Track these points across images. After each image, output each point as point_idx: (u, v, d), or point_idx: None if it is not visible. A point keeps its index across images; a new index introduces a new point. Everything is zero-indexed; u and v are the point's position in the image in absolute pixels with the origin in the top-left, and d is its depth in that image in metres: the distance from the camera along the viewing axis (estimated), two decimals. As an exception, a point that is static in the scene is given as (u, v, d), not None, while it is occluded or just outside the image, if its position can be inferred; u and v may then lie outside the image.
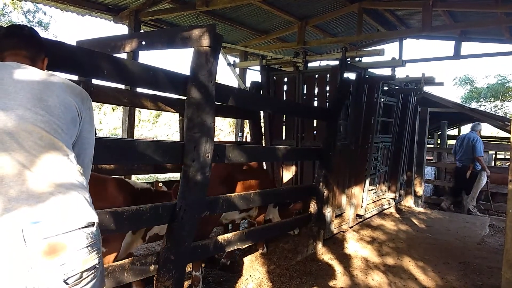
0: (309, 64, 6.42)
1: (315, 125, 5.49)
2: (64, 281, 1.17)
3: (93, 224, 1.29)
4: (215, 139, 2.79)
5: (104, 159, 2.47)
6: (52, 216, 1.19)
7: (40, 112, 1.32)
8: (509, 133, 7.46)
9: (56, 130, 1.34)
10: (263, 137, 5.67)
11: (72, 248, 1.20)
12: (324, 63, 7.71)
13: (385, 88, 6.37)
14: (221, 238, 3.22)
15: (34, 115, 1.30)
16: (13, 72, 1.38)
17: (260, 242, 4.18)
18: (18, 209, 1.15)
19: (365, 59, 6.29)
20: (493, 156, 11.81)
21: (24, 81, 1.37)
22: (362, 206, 5.60)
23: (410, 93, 6.85)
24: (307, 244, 4.37)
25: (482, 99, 21.42)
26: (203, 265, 3.82)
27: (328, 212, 4.61)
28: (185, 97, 2.59)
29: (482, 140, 9.87)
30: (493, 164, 11.37)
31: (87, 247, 1.24)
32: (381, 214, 6.33)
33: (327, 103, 5.28)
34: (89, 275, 1.25)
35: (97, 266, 1.28)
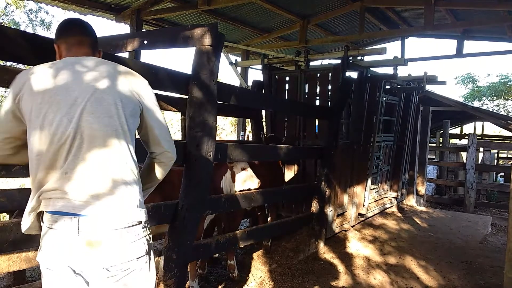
0: (311, 63, 6.41)
1: (317, 124, 5.48)
2: (105, 268, 1.35)
3: (139, 223, 1.44)
4: (217, 138, 2.79)
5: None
6: (100, 214, 1.35)
7: (102, 115, 1.40)
8: (511, 132, 7.44)
9: (116, 130, 1.42)
10: (265, 136, 5.66)
11: (110, 243, 1.35)
12: (326, 62, 7.71)
13: (387, 87, 6.36)
14: (222, 237, 3.22)
15: (97, 119, 1.39)
16: (75, 72, 1.43)
17: None
18: (79, 202, 1.34)
19: (367, 58, 6.28)
20: (496, 155, 11.79)
21: (86, 82, 1.42)
22: (364, 205, 5.60)
23: (412, 91, 6.83)
24: (309, 243, 4.37)
25: (484, 98, 21.35)
26: (206, 264, 3.84)
27: (330, 211, 4.61)
28: (187, 96, 2.59)
29: (484, 139, 9.87)
30: (495, 163, 11.34)
31: (130, 243, 1.39)
32: (383, 213, 6.32)
33: (329, 102, 5.27)
34: (130, 267, 1.40)
35: (139, 259, 1.42)
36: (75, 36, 1.56)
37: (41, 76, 1.41)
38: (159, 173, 1.68)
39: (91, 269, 1.36)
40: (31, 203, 1.42)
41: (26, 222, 1.45)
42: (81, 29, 1.59)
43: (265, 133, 5.53)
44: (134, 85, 1.53)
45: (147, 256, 1.47)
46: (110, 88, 1.45)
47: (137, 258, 1.42)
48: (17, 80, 1.43)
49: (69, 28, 1.59)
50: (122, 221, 1.39)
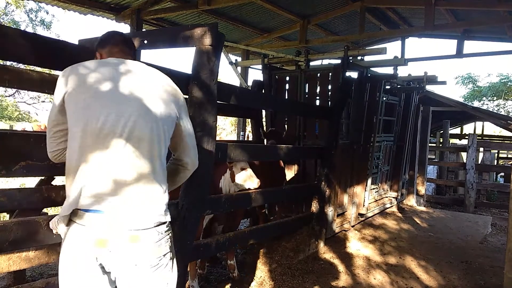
0: (311, 63, 6.41)
1: (317, 124, 5.48)
2: (136, 265, 1.43)
3: (164, 223, 1.51)
4: (217, 138, 2.79)
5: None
6: (136, 212, 1.43)
7: (150, 120, 1.47)
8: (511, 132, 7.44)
9: (159, 136, 1.50)
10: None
11: (146, 240, 1.43)
12: (326, 62, 7.71)
13: (387, 87, 6.36)
14: (222, 237, 3.22)
15: (145, 123, 1.46)
16: (123, 73, 1.51)
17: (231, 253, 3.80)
18: (117, 201, 1.41)
19: (367, 58, 6.28)
20: (496, 155, 11.79)
21: (135, 84, 1.50)
22: (364, 205, 5.60)
23: (412, 92, 6.83)
24: (309, 243, 4.37)
25: (484, 98, 21.34)
26: (207, 264, 3.84)
27: (330, 211, 4.61)
28: (187, 96, 2.59)
29: (484, 139, 9.87)
30: (495, 163, 11.34)
31: (157, 241, 1.47)
32: (383, 213, 6.32)
33: (329, 102, 5.27)
34: (158, 263, 1.47)
35: (165, 256, 1.50)
36: (118, 46, 1.66)
37: (89, 73, 1.47)
38: (182, 178, 1.77)
39: (124, 266, 1.43)
40: (71, 198, 1.42)
41: (64, 218, 1.46)
42: (124, 40, 1.70)
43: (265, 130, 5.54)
44: (174, 94, 1.62)
45: (171, 253, 1.54)
46: (157, 94, 1.53)
47: (164, 255, 1.50)
48: (65, 75, 1.48)
49: (113, 38, 1.69)
50: (154, 219, 1.47)
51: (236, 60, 7.94)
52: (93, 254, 1.40)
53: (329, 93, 5.32)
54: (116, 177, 1.41)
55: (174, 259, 1.58)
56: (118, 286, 1.49)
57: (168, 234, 1.54)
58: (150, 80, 1.56)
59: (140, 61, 1.65)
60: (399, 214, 6.58)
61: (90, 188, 1.40)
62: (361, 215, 5.53)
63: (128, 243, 1.41)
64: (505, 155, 13.82)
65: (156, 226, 1.47)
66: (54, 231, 1.60)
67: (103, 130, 1.40)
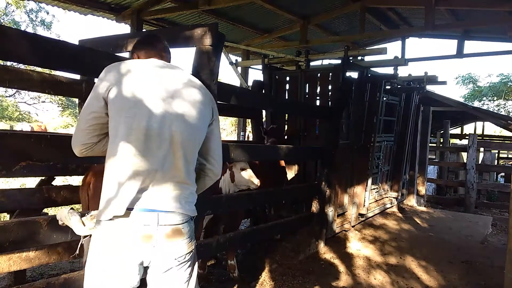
0: (311, 63, 6.41)
1: (317, 124, 5.48)
2: (175, 259, 1.53)
3: (192, 218, 1.62)
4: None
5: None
6: (176, 209, 1.51)
7: (190, 127, 1.54)
8: (512, 132, 7.44)
9: (195, 141, 1.59)
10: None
11: (185, 235, 1.55)
12: (326, 62, 7.72)
13: (388, 87, 6.35)
14: (223, 237, 3.22)
15: (186, 130, 1.53)
16: (168, 74, 1.57)
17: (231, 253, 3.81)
18: (159, 200, 1.48)
19: (367, 58, 6.28)
20: (496, 155, 11.78)
21: (177, 87, 1.56)
22: (364, 205, 5.59)
23: (412, 92, 6.83)
24: (309, 243, 4.37)
25: (484, 98, 21.33)
26: (208, 263, 3.84)
27: (330, 211, 4.61)
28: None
29: (485, 139, 9.86)
30: (495, 163, 11.33)
31: (190, 236, 1.58)
32: (383, 213, 6.32)
33: (329, 102, 5.27)
34: (189, 257, 1.59)
35: (194, 251, 1.62)
36: (157, 49, 1.70)
37: (135, 74, 1.51)
38: (202, 185, 1.78)
39: (165, 259, 1.51)
40: (119, 197, 1.46)
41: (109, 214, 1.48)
42: (162, 44, 1.74)
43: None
44: (210, 100, 1.69)
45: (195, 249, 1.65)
46: (196, 100, 1.59)
47: (192, 251, 1.60)
48: (109, 72, 1.51)
49: (152, 40, 1.75)
50: (190, 214, 1.57)
51: (236, 60, 7.94)
52: (138, 249, 1.46)
53: (330, 93, 5.32)
54: (159, 177, 1.48)
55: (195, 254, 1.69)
56: (151, 278, 1.57)
57: (191, 233, 1.64)
58: (190, 85, 1.61)
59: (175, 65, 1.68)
60: (400, 214, 6.58)
61: (137, 187, 1.45)
62: (361, 215, 5.53)
63: (170, 237, 1.50)
64: (505, 155, 13.81)
65: (190, 220, 1.59)
66: (62, 223, 1.65)
67: (149, 131, 1.46)
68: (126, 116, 1.45)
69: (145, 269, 1.56)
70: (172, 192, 1.51)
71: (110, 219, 1.46)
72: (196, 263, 1.68)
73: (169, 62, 1.72)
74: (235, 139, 10.61)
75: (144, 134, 1.45)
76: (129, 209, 1.45)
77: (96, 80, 1.57)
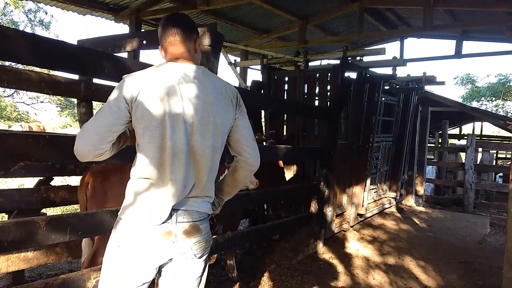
0: (310, 63, 6.42)
1: (316, 124, 5.48)
2: (194, 255, 1.58)
3: (209, 215, 1.68)
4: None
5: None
6: (194, 207, 1.58)
7: (207, 137, 1.57)
8: (511, 132, 7.46)
9: (215, 148, 1.61)
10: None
11: (203, 231, 1.60)
12: (325, 62, 7.72)
13: (386, 87, 6.37)
14: (222, 237, 3.22)
15: (203, 140, 1.55)
16: (186, 85, 1.55)
17: (230, 253, 3.84)
18: (177, 198, 1.52)
19: (366, 58, 6.27)
20: (494, 155, 11.79)
21: (197, 99, 1.55)
22: (363, 206, 5.60)
23: (411, 92, 6.84)
24: (308, 243, 4.37)
25: (483, 98, 21.37)
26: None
27: (329, 211, 4.61)
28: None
29: (483, 139, 9.88)
30: (494, 163, 11.35)
31: (208, 232, 1.63)
32: (382, 213, 6.33)
33: (328, 103, 5.27)
34: (206, 253, 1.64)
35: (210, 247, 1.68)
36: (175, 38, 1.62)
37: (155, 83, 1.50)
38: (242, 177, 1.80)
39: (183, 255, 1.56)
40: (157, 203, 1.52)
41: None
42: (180, 29, 1.63)
43: (263, 133, 5.53)
44: (232, 95, 1.66)
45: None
46: (215, 107, 1.58)
47: (208, 247, 1.66)
48: (130, 81, 1.50)
49: (168, 28, 1.63)
50: (207, 211, 1.64)
51: (235, 60, 7.92)
52: (159, 246, 1.51)
53: (328, 93, 5.33)
54: (181, 183, 1.52)
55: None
56: (166, 274, 1.60)
57: (209, 230, 1.68)
58: (210, 87, 1.59)
59: (193, 64, 1.63)
60: (398, 215, 6.59)
61: (165, 193, 1.51)
62: (360, 215, 5.54)
63: (190, 234, 1.55)
64: (503, 155, 13.83)
65: (207, 217, 1.64)
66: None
67: (172, 145, 1.50)
68: (148, 133, 1.49)
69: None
70: (194, 195, 1.58)
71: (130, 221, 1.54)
72: (205, 271, 1.71)
73: (195, 44, 1.65)
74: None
75: (167, 152, 1.50)
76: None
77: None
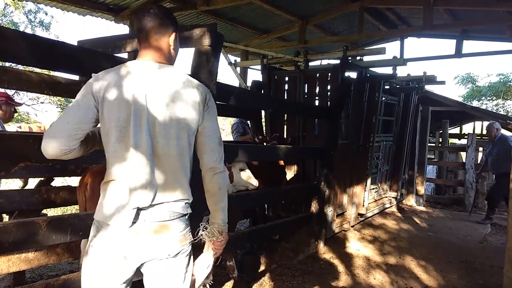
0: (310, 63, 6.42)
1: (316, 124, 5.48)
2: (168, 254, 1.56)
3: (186, 215, 1.65)
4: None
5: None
6: (164, 207, 1.55)
7: (172, 138, 1.54)
8: (511, 131, 7.46)
9: (182, 149, 1.57)
10: (264, 136, 5.66)
11: (175, 230, 1.57)
12: (325, 62, 7.72)
13: (387, 87, 6.36)
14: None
15: (167, 141, 1.53)
16: (149, 85, 1.52)
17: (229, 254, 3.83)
18: (142, 199, 1.50)
19: (366, 58, 6.28)
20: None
21: (158, 99, 1.52)
22: (363, 205, 5.60)
23: (411, 91, 6.84)
24: (308, 243, 4.37)
25: (483, 98, 21.34)
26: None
27: (330, 211, 4.61)
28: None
29: (484, 139, 9.87)
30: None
31: (182, 231, 1.60)
32: (382, 213, 6.32)
33: (328, 102, 5.27)
34: (183, 252, 1.61)
35: (188, 246, 1.64)
36: (145, 36, 1.59)
37: (120, 84, 1.49)
38: (214, 185, 1.75)
39: (153, 254, 1.54)
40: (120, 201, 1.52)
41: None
42: (151, 26, 1.58)
43: (264, 133, 5.53)
44: (198, 98, 1.61)
45: (190, 245, 1.67)
46: (180, 107, 1.55)
47: (188, 243, 1.64)
48: (96, 82, 1.51)
49: (140, 26, 1.58)
50: (179, 211, 1.60)
51: (235, 60, 7.93)
52: (128, 245, 1.51)
53: (328, 93, 5.32)
54: (145, 184, 1.51)
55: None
56: (147, 275, 1.60)
57: (188, 226, 1.67)
58: (176, 86, 1.56)
59: (161, 63, 1.60)
60: (399, 214, 6.58)
61: (130, 191, 1.51)
62: (360, 215, 5.53)
63: (158, 233, 1.53)
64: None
65: (182, 217, 1.61)
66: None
67: (135, 145, 1.49)
68: (111, 132, 1.49)
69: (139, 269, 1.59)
70: (162, 197, 1.55)
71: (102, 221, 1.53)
72: (191, 262, 1.69)
73: (158, 39, 1.58)
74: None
75: (131, 148, 1.49)
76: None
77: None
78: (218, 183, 1.74)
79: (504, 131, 6.74)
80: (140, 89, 1.50)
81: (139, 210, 1.51)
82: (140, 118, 1.49)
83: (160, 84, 1.53)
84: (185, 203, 1.64)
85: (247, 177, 3.41)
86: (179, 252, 1.59)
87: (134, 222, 1.50)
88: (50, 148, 1.46)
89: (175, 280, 1.61)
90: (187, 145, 1.59)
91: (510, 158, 6.34)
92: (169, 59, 1.64)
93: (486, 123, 8.15)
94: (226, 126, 21.34)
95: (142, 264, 1.57)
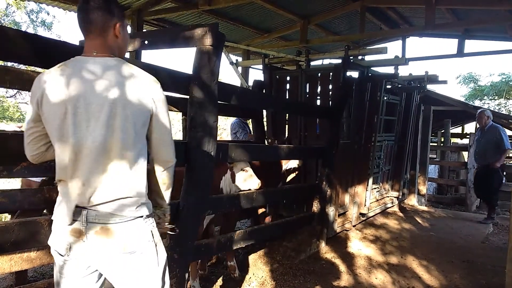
0: (312, 63, 6.41)
1: (318, 124, 5.48)
2: (114, 257, 1.52)
3: (141, 217, 1.57)
4: (218, 138, 2.79)
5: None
6: (107, 209, 1.50)
7: (116, 130, 1.48)
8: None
9: (128, 143, 1.51)
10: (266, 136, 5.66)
11: (119, 235, 1.51)
12: (326, 61, 7.71)
13: (388, 87, 6.35)
14: (224, 237, 3.22)
15: (111, 134, 1.48)
16: (87, 81, 1.48)
17: (229, 254, 3.82)
18: (88, 198, 1.49)
19: (368, 58, 6.27)
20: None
21: (99, 94, 1.47)
22: (365, 205, 5.59)
23: (413, 91, 6.82)
24: (310, 243, 4.37)
25: (486, 97, 21.28)
26: (207, 263, 3.83)
27: (331, 211, 4.61)
28: (187, 96, 2.59)
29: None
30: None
31: (133, 233, 1.53)
32: (384, 212, 6.32)
33: (330, 102, 5.27)
34: (134, 253, 1.54)
35: (141, 248, 1.56)
36: (85, 31, 1.59)
37: (56, 82, 1.47)
38: (161, 179, 1.73)
39: (102, 257, 1.53)
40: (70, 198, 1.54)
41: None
42: (88, 18, 1.54)
43: (265, 133, 5.52)
44: (144, 90, 1.55)
45: (152, 242, 1.61)
46: (122, 101, 1.49)
47: (139, 245, 1.56)
48: (36, 84, 1.51)
49: (79, 20, 1.56)
50: (127, 214, 1.54)
51: (236, 60, 7.93)
52: (73, 245, 1.52)
53: (330, 93, 5.32)
54: (84, 182, 1.49)
55: (158, 246, 1.66)
56: (108, 278, 1.61)
57: (143, 225, 1.59)
58: (120, 80, 1.50)
59: (105, 55, 1.54)
60: (401, 214, 6.57)
61: (74, 191, 1.50)
62: (362, 214, 5.53)
63: (101, 235, 1.50)
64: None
65: (130, 220, 1.54)
66: None
67: (74, 144, 1.46)
68: (54, 133, 1.49)
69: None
70: (104, 197, 1.51)
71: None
72: (154, 268, 1.64)
73: (100, 31, 1.54)
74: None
75: (71, 151, 1.48)
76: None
77: None
78: (170, 177, 1.75)
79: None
80: (77, 86, 1.46)
81: (78, 208, 1.49)
82: (78, 115, 1.45)
83: (100, 79, 1.48)
84: (134, 202, 1.55)
85: (249, 176, 3.41)
86: (131, 252, 1.54)
87: (74, 220, 1.49)
88: (28, 157, 1.59)
89: (137, 280, 1.59)
90: (132, 142, 1.52)
91: (498, 150, 6.35)
92: (114, 51, 1.58)
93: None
94: (227, 126, 21.35)
95: (100, 266, 1.57)
